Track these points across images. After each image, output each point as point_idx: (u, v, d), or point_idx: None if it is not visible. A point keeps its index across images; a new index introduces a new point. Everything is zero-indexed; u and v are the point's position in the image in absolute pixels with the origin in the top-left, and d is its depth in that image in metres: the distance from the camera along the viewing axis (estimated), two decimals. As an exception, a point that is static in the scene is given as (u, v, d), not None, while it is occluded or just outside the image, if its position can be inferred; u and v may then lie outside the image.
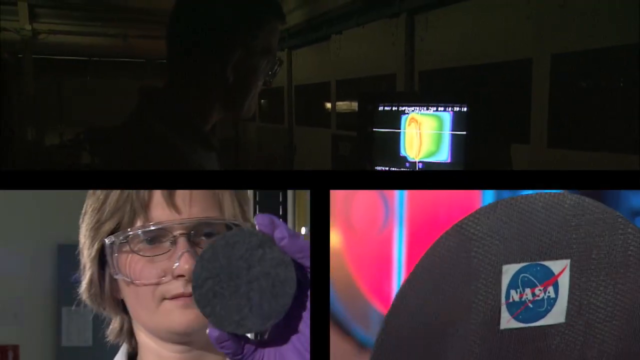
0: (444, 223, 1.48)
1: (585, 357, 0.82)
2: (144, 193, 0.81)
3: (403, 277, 1.48)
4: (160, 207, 0.81)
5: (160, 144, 1.01)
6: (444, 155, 1.68)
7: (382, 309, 1.49)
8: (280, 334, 0.66)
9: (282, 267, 0.61)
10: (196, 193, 0.83)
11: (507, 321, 0.81)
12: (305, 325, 0.65)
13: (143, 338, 0.86)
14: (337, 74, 9.20)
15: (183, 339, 0.83)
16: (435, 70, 6.58)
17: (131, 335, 0.89)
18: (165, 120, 1.05)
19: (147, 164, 0.96)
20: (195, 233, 0.81)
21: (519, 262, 0.81)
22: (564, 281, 0.82)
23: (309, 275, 0.65)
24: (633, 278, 0.83)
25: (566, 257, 0.82)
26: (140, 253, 0.80)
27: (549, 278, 0.82)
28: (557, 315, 0.82)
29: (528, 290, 0.82)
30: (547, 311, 0.82)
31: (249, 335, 0.66)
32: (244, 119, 1.23)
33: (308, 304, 0.65)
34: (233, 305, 0.62)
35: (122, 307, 0.87)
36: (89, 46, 12.21)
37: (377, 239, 1.48)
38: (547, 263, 0.82)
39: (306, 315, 0.65)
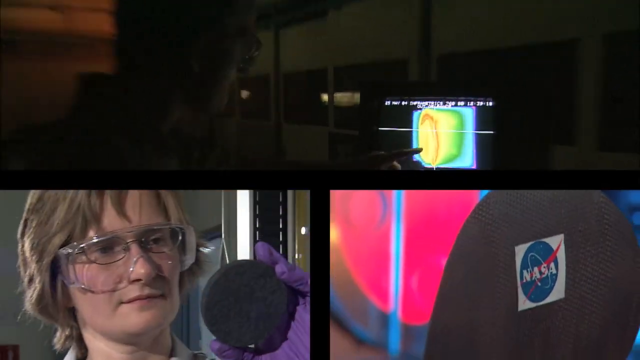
0: (441, 219, 1.49)
1: (579, 331, 0.85)
2: (95, 204, 0.83)
3: (400, 273, 1.49)
4: (112, 217, 0.83)
5: (103, 146, 0.92)
6: (467, 160, 1.39)
7: (380, 305, 1.50)
8: (273, 342, 0.76)
9: (278, 294, 0.74)
10: (144, 201, 0.86)
11: (523, 302, 0.84)
12: (294, 334, 0.76)
13: (93, 342, 0.89)
14: (336, 59, 7.47)
15: (137, 339, 0.86)
16: (456, 55, 5.31)
17: (80, 341, 0.91)
18: (111, 117, 0.94)
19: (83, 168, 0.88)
20: (146, 239, 0.84)
21: (527, 242, 0.83)
22: (561, 256, 0.85)
23: (302, 296, 0.76)
24: (610, 246, 0.86)
25: (560, 232, 0.84)
26: (98, 261, 0.83)
27: (550, 254, 0.84)
28: (558, 292, 0.85)
29: (536, 269, 0.84)
30: (551, 288, 0.85)
31: None
32: (212, 114, 1.09)
33: (297, 315, 0.76)
34: (236, 323, 0.73)
35: (72, 315, 0.89)
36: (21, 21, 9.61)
37: (374, 235, 1.49)
38: (546, 240, 0.84)
39: (295, 325, 0.76)
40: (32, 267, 0.86)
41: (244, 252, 1.70)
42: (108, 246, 0.82)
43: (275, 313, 0.74)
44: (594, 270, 0.85)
